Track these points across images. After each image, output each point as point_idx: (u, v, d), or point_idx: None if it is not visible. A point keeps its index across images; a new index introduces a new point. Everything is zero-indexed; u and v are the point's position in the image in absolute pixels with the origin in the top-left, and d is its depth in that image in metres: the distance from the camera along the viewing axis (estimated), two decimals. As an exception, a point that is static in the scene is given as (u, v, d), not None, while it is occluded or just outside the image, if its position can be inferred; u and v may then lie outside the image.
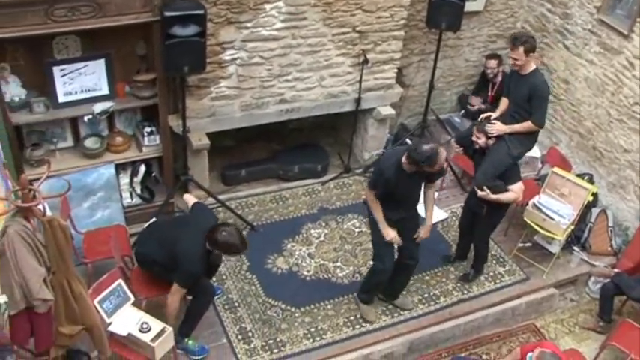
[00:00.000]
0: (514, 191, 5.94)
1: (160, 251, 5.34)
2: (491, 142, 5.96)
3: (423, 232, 5.79)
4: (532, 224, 6.77)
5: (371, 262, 6.06)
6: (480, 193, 5.94)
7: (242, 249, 5.26)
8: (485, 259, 6.64)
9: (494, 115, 6.12)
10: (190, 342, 5.60)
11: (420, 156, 5.13)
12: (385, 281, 5.99)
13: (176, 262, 5.17)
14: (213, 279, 6.08)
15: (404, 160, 5.27)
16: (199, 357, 5.62)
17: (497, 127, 5.91)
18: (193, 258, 5.17)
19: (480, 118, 6.17)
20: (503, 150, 5.91)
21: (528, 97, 5.82)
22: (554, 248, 6.94)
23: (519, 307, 6.58)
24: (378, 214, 5.62)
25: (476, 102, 8.15)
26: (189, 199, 5.84)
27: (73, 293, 4.40)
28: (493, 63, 8.05)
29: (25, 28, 5.30)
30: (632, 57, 6.96)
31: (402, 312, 6.23)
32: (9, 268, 4.06)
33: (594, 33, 7.41)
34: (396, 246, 5.77)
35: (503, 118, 6.04)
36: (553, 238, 6.86)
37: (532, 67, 5.82)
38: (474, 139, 6.04)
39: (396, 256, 5.88)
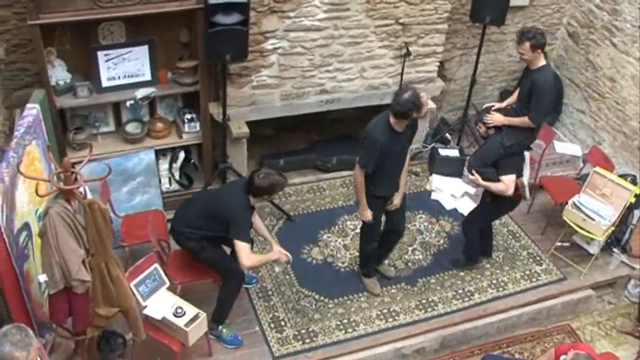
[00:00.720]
0: (504, 182, 5.89)
1: (199, 221, 5.33)
2: (491, 131, 5.99)
3: (396, 200, 5.84)
4: (571, 224, 6.67)
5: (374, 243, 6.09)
6: (470, 176, 5.99)
7: (284, 181, 5.28)
8: (474, 248, 6.54)
9: (497, 105, 6.14)
10: (225, 330, 5.64)
11: (405, 105, 5.20)
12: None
13: (224, 220, 5.16)
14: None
15: (392, 120, 5.35)
16: (232, 347, 5.66)
17: (494, 118, 5.92)
18: (240, 206, 5.17)
19: (484, 107, 6.20)
20: (497, 139, 5.92)
21: (529, 93, 5.79)
22: (593, 249, 6.84)
23: (555, 308, 6.49)
24: (362, 195, 5.67)
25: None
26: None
27: (110, 276, 4.47)
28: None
29: (72, 13, 5.40)
30: (682, 56, 6.81)
31: (435, 307, 6.20)
32: (50, 248, 4.15)
33: (643, 31, 7.27)
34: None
35: (507, 110, 6.01)
36: (592, 239, 6.75)
37: (541, 63, 5.75)
38: (477, 127, 6.13)
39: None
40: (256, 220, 5.60)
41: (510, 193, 5.91)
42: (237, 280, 5.58)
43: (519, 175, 5.97)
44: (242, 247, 5.11)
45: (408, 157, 5.87)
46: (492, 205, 6.16)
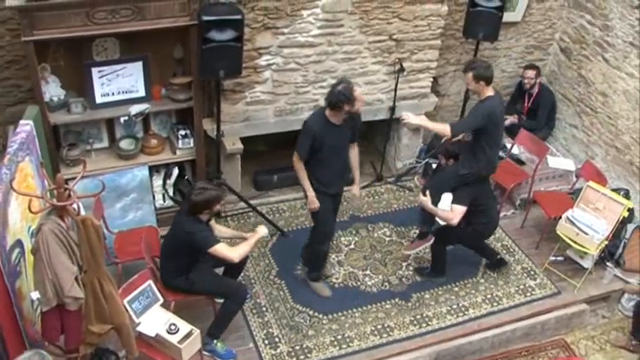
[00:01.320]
0: (453, 210, 5.98)
1: (171, 261, 5.43)
2: (450, 162, 6.17)
3: (354, 190, 6.03)
4: (565, 238, 6.68)
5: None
6: (421, 196, 6.07)
7: (220, 194, 5.30)
8: (439, 265, 6.57)
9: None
10: (219, 345, 5.62)
11: (337, 96, 5.39)
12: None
13: (185, 246, 5.23)
14: (242, 282, 6.11)
15: (327, 112, 5.54)
16: None
17: (408, 116, 5.96)
18: (189, 224, 5.19)
19: (442, 140, 6.38)
20: (452, 168, 6.09)
21: (470, 112, 6.01)
22: (587, 263, 6.84)
23: (549, 322, 6.49)
24: (305, 182, 5.78)
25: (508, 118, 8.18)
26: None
27: (103, 292, 4.45)
28: (531, 73, 8.01)
29: (66, 29, 5.41)
30: (673, 71, 6.86)
31: (429, 322, 6.19)
32: (42, 265, 4.13)
33: (635, 45, 7.30)
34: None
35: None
36: (586, 253, 6.76)
37: (487, 94, 5.82)
38: (438, 158, 6.29)
39: None
40: (217, 229, 5.66)
41: (454, 222, 5.99)
42: (239, 299, 5.60)
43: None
44: (218, 251, 5.17)
45: (357, 150, 5.98)
46: (452, 229, 6.19)
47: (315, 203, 5.82)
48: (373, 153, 8.19)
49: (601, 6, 7.70)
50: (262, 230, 5.47)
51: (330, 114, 5.55)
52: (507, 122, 8.00)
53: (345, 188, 6.23)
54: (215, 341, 5.59)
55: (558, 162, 7.84)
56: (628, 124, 7.52)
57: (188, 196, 5.26)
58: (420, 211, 6.54)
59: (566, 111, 8.47)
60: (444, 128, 5.85)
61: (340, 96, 5.39)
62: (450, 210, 6.03)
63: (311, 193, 5.79)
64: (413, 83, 7.31)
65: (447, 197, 6.23)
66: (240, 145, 6.71)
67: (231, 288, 5.56)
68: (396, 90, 7.10)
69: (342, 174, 5.96)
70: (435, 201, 6.07)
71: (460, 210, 5.98)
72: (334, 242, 6.87)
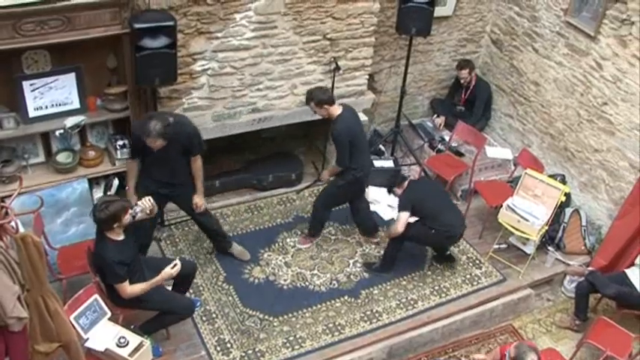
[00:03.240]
0: (397, 219, 6.35)
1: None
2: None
3: (197, 200, 6.13)
4: (507, 226, 6.83)
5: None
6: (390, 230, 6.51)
7: (125, 204, 5.18)
8: (389, 261, 6.69)
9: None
10: (148, 342, 5.53)
11: (144, 129, 5.46)
12: None
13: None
14: (190, 291, 6.06)
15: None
16: (154, 357, 5.53)
17: (323, 175, 6.94)
18: (101, 254, 5.11)
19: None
20: (332, 182, 6.72)
21: (332, 141, 6.50)
22: (529, 249, 7.01)
23: (497, 309, 6.62)
24: (131, 182, 5.96)
25: (438, 121, 8.46)
26: None
27: (48, 310, 4.36)
28: (465, 73, 8.20)
29: (-8, 43, 5.26)
30: (600, 58, 7.06)
31: (379, 318, 6.24)
32: (-18, 287, 4.02)
33: (562, 35, 7.51)
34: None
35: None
36: (528, 239, 6.92)
37: (336, 113, 6.29)
38: None
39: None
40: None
41: (400, 230, 6.27)
42: (184, 316, 5.61)
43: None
44: (119, 288, 5.15)
45: (199, 162, 6.04)
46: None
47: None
48: (314, 153, 8.22)
49: (528, -3, 7.90)
50: (167, 272, 5.31)
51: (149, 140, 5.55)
52: (436, 123, 8.25)
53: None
54: (145, 336, 5.49)
55: (496, 152, 8.01)
56: (560, 111, 7.72)
57: (92, 214, 5.07)
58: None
59: (501, 101, 8.65)
60: (335, 167, 6.54)
61: (142, 130, 5.49)
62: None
63: (132, 193, 5.91)
64: (349, 81, 7.34)
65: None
66: (180, 153, 6.65)
67: (179, 306, 5.53)
68: (333, 89, 7.11)
69: (179, 179, 6.05)
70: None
71: (402, 216, 6.23)
72: (280, 244, 6.88)
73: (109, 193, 6.58)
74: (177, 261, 5.35)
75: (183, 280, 5.67)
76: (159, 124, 5.42)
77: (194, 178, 6.09)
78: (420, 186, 6.67)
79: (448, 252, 6.93)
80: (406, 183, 6.44)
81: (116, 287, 5.15)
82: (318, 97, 6.21)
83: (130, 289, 5.17)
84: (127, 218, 5.08)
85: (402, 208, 6.31)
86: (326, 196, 6.73)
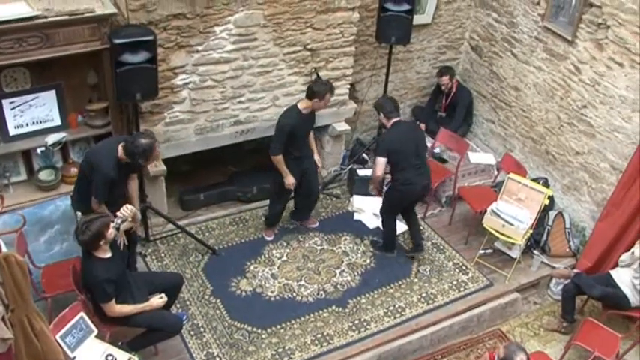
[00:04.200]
0: (375, 163, 6.55)
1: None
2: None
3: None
4: (492, 231, 6.85)
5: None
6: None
7: (106, 219, 5.09)
8: (389, 240, 6.99)
9: None
10: (136, 358, 5.50)
11: (136, 149, 5.31)
12: None
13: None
14: (177, 305, 6.03)
15: (120, 151, 5.41)
16: None
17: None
18: (90, 274, 5.09)
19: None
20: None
21: None
22: (515, 253, 7.03)
23: (484, 314, 6.63)
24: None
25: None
26: None
27: (33, 330, 4.32)
28: (445, 79, 8.24)
29: (-31, 61, 5.23)
30: (578, 62, 7.12)
31: (368, 326, 6.23)
32: (-35, 308, 3.98)
33: (540, 40, 7.57)
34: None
35: None
36: (513, 244, 6.95)
37: (388, 124, 6.53)
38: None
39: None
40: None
41: (378, 173, 6.48)
42: (172, 333, 5.57)
43: None
44: (105, 307, 5.13)
45: (136, 182, 6.02)
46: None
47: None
48: (298, 163, 8.22)
49: (505, 4, 7.96)
50: (155, 302, 5.36)
51: (122, 157, 5.44)
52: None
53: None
54: (133, 352, 5.45)
55: (479, 157, 8.05)
56: (540, 115, 7.78)
57: (76, 237, 5.03)
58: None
59: (482, 107, 8.70)
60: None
61: (139, 151, 5.33)
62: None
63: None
64: (331, 91, 7.36)
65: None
66: (163, 167, 6.62)
67: (166, 324, 5.48)
68: (315, 99, 7.14)
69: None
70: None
71: (380, 161, 6.43)
72: (266, 256, 6.86)
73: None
74: (164, 295, 5.40)
75: (170, 293, 5.63)
76: (150, 140, 5.39)
77: (132, 198, 6.00)
78: (400, 135, 6.57)
79: (419, 242, 7.00)
80: (391, 123, 6.52)
81: (103, 306, 5.13)
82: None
83: (119, 308, 5.15)
84: (111, 232, 5.04)
85: (379, 154, 6.47)
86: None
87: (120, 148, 5.41)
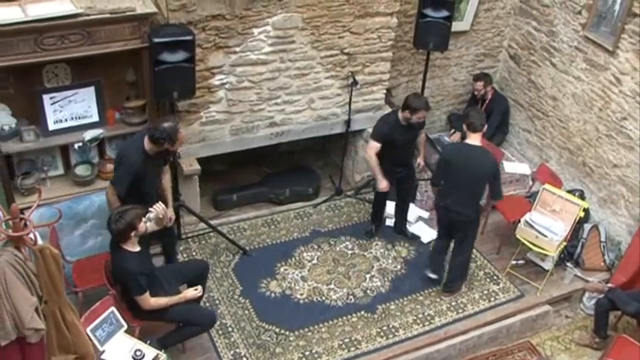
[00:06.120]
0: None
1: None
2: None
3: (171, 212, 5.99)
4: (525, 241, 6.78)
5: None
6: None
7: (140, 211, 5.17)
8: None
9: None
10: (164, 356, 5.53)
11: (161, 133, 5.36)
12: None
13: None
14: (207, 304, 6.06)
15: (147, 144, 5.48)
16: None
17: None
18: (119, 265, 5.15)
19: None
20: None
21: None
22: (548, 265, 6.95)
23: (514, 325, 6.56)
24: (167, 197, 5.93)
25: (454, 137, 8.45)
26: None
27: (65, 322, 4.36)
28: (479, 85, 8.18)
29: (14, 57, 5.30)
30: (619, 73, 7.02)
31: (396, 333, 6.20)
32: (0, 298, 4.04)
33: (580, 50, 7.48)
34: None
35: None
36: (546, 255, 6.87)
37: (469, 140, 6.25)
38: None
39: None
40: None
41: (369, 152, 6.54)
42: (205, 328, 5.62)
43: None
44: (141, 300, 5.15)
45: (169, 174, 6.12)
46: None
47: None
48: (331, 167, 8.22)
49: (545, 12, 7.88)
50: (190, 293, 5.40)
51: (150, 147, 5.50)
52: (451, 139, 8.23)
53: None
54: (163, 350, 5.49)
55: (514, 167, 7.97)
56: (578, 126, 7.68)
57: (108, 227, 5.10)
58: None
59: (519, 116, 8.61)
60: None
61: (164, 135, 5.39)
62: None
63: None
64: (367, 96, 7.35)
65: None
66: (197, 166, 6.67)
67: (201, 318, 5.54)
68: (350, 103, 7.14)
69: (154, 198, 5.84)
70: None
71: (372, 145, 6.53)
72: (297, 258, 6.87)
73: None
74: (199, 287, 5.45)
75: (198, 282, 5.66)
76: (171, 123, 5.48)
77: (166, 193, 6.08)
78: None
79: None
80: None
81: (138, 299, 5.16)
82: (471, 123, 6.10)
83: (154, 300, 5.19)
84: (142, 226, 5.11)
85: (373, 137, 6.58)
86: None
87: (145, 139, 5.48)
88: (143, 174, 5.52)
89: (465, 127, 6.11)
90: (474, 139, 6.04)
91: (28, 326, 4.12)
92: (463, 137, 8.07)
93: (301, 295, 6.51)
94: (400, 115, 6.46)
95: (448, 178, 6.16)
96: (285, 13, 6.38)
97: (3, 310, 4.04)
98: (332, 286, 6.64)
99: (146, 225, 5.18)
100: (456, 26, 7.78)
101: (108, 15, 5.46)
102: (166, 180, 6.04)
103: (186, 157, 6.60)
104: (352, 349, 6.04)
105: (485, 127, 6.11)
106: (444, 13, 7.08)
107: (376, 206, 7.24)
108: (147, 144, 5.48)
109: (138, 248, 5.18)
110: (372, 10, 6.78)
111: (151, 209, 5.26)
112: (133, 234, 5.08)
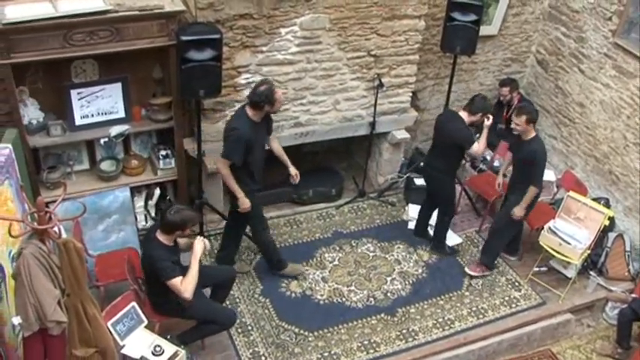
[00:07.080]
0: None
1: (153, 287, 5.42)
2: None
3: (293, 170, 6.38)
4: (548, 248, 6.72)
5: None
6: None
7: (196, 216, 5.42)
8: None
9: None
10: (184, 352, 5.54)
11: (259, 96, 5.64)
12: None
13: (155, 273, 5.18)
14: (227, 302, 6.08)
15: (249, 111, 5.76)
16: None
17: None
18: (153, 251, 5.17)
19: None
20: None
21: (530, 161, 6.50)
22: (570, 273, 6.88)
23: (535, 333, 6.50)
24: (235, 186, 5.96)
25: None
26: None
27: (86, 315, 4.39)
28: (505, 91, 8.11)
29: (44, 52, 5.37)
30: (649, 81, 6.95)
31: (415, 337, 6.18)
32: (24, 289, 4.07)
33: (610, 56, 7.40)
34: None
35: None
36: (569, 263, 6.80)
37: (532, 134, 6.42)
38: None
39: None
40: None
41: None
42: (225, 326, 5.65)
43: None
44: (173, 284, 5.07)
45: (277, 140, 6.41)
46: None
47: (247, 203, 6.00)
48: (355, 169, 8.21)
49: (575, 18, 7.81)
50: (199, 245, 5.30)
51: (253, 113, 5.76)
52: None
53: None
54: (182, 346, 5.51)
55: (539, 173, 7.89)
56: (605, 133, 7.60)
57: (163, 215, 5.19)
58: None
59: (545, 122, 8.54)
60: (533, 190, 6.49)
61: (263, 97, 5.62)
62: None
63: (241, 194, 5.96)
64: (392, 98, 7.34)
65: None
66: (221, 164, 6.69)
67: (222, 316, 5.57)
68: (375, 105, 7.13)
69: (263, 167, 6.18)
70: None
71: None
72: (318, 259, 6.87)
73: (149, 202, 6.66)
74: (201, 238, 5.47)
75: (223, 288, 5.69)
76: (266, 85, 5.72)
77: (280, 155, 6.38)
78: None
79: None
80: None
81: (170, 284, 5.08)
82: (532, 115, 6.34)
83: (185, 283, 5.09)
84: (187, 232, 5.23)
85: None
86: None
87: (247, 108, 5.77)
88: (252, 143, 5.74)
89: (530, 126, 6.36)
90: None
91: (51, 318, 4.15)
92: (489, 143, 8.05)
93: (321, 295, 6.51)
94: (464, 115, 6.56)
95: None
96: (312, 13, 6.38)
97: (27, 301, 4.08)
98: (352, 287, 6.63)
99: (186, 237, 5.32)
100: (484, 30, 7.72)
101: (136, 12, 5.51)
102: (277, 146, 6.33)
103: (211, 155, 6.62)
104: (371, 351, 6.02)
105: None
106: (472, 17, 7.04)
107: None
108: (250, 112, 5.75)
109: (171, 244, 5.24)
110: (400, 13, 6.77)
111: (201, 237, 5.42)
112: (177, 232, 5.15)
